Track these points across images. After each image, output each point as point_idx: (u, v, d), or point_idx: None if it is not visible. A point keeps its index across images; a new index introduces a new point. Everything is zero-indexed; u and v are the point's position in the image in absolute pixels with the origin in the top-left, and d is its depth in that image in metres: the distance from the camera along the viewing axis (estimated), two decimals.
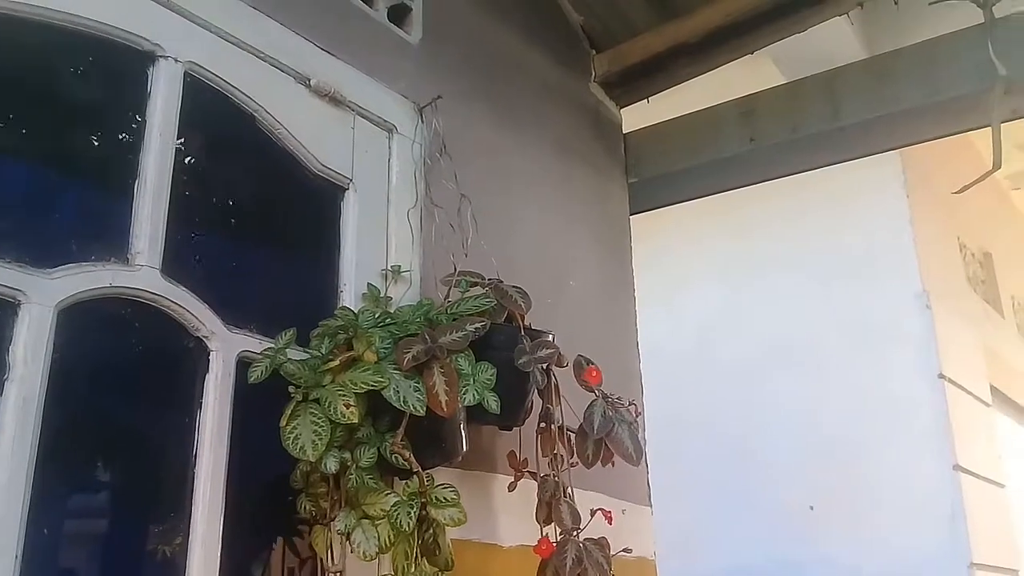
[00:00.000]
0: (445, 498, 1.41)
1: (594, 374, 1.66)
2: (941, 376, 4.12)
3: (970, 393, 4.42)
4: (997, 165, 2.17)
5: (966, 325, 4.70)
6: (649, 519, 2.33)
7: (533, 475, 1.73)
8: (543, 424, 1.75)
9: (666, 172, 2.70)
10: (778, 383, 4.39)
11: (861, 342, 4.28)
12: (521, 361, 1.60)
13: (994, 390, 4.80)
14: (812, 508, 4.30)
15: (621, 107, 2.81)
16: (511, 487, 1.74)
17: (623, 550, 1.64)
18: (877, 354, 4.22)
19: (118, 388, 1.33)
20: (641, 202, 2.74)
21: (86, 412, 1.27)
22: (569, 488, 1.69)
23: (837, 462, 4.22)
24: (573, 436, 1.69)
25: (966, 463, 4.07)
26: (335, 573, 1.37)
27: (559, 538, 1.60)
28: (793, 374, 4.38)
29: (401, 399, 1.40)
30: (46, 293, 1.20)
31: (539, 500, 1.68)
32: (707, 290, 4.72)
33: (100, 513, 1.30)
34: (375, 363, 1.44)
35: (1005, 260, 5.64)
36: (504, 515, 1.82)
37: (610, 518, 1.66)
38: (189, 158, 1.48)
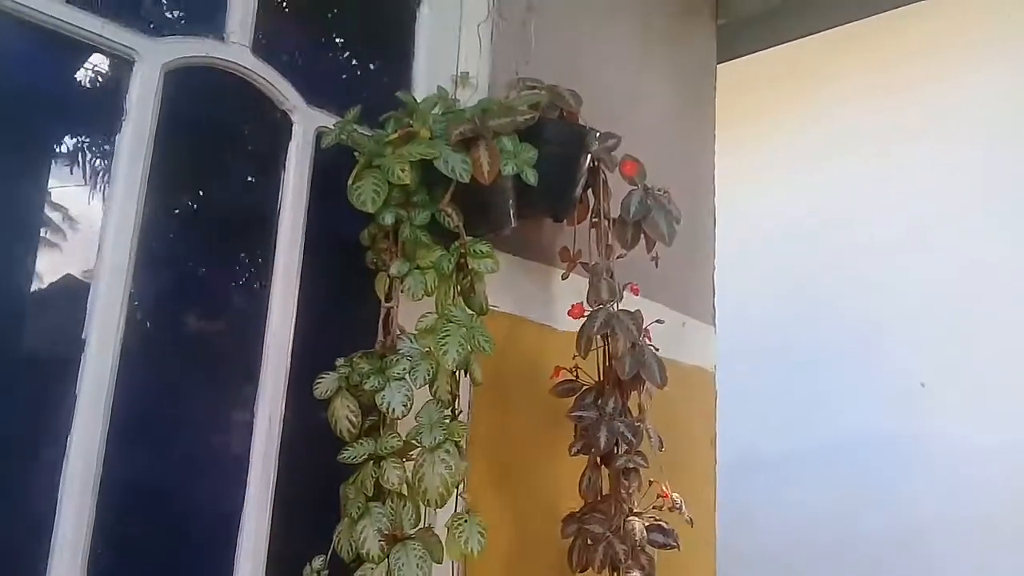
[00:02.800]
0: (481, 250, 1.62)
1: (630, 166, 1.82)
2: None
3: None
4: None
5: None
6: (711, 336, 2.47)
7: (586, 266, 1.92)
8: (595, 219, 1.93)
9: (760, 11, 2.69)
10: (913, 261, 4.28)
11: (1011, 217, 4.08)
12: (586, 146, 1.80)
13: None
14: (923, 385, 4.27)
15: None
16: (564, 276, 1.94)
17: (656, 321, 1.82)
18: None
19: (214, 143, 1.62)
20: (729, 49, 2.78)
21: (188, 159, 1.56)
22: (614, 273, 1.87)
23: (961, 337, 4.12)
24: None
25: None
26: (388, 307, 1.63)
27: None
28: (929, 252, 4.24)
29: (449, 168, 1.61)
30: (155, 55, 1.49)
31: (590, 285, 1.88)
32: (834, 163, 4.60)
33: (197, 237, 1.59)
34: (429, 139, 1.66)
35: None
36: (559, 303, 2.01)
37: (636, 290, 1.83)
38: None
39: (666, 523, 1.77)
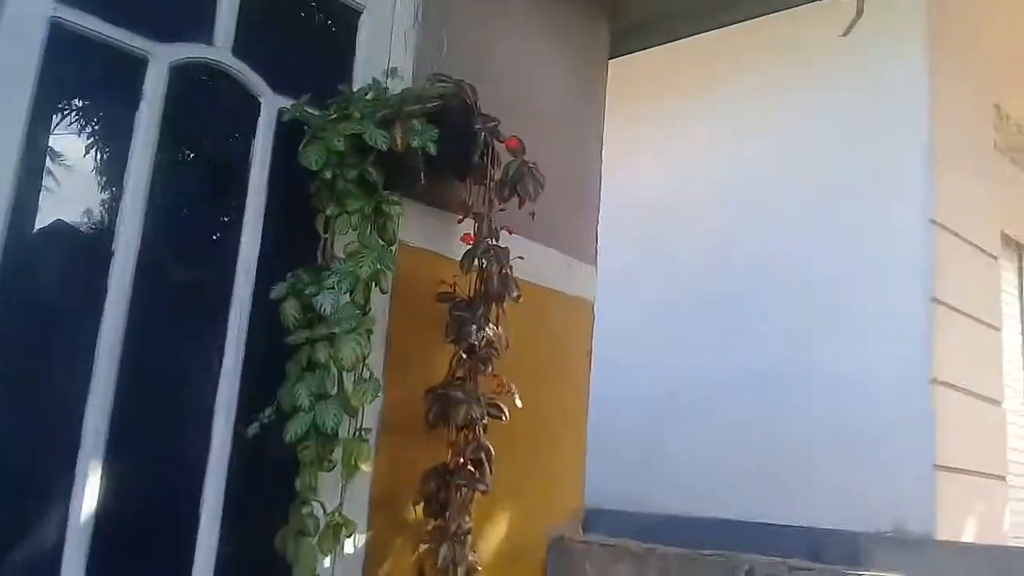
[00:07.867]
0: (393, 199, 2.29)
1: (512, 142, 2.49)
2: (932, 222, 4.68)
3: (968, 241, 4.95)
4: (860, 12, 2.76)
5: (980, 184, 5.14)
6: (592, 274, 3.16)
7: (476, 215, 2.59)
8: (485, 180, 2.60)
9: (650, 18, 3.35)
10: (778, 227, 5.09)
11: (863, 191, 4.86)
12: (475, 127, 2.45)
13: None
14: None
15: None
16: (460, 220, 2.61)
17: (518, 256, 2.50)
18: (875, 203, 4.81)
19: (205, 119, 2.27)
20: (622, 46, 3.43)
21: (186, 131, 2.21)
22: (496, 224, 2.54)
23: (830, 291, 4.89)
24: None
25: (942, 296, 4.67)
26: (326, 238, 2.29)
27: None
28: (790, 219, 5.07)
29: (372, 139, 2.27)
30: (164, 56, 2.13)
31: (476, 224, 2.55)
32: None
33: (190, 185, 2.25)
34: (359, 119, 2.31)
35: None
36: (456, 240, 2.66)
37: (510, 230, 2.51)
38: None
39: (501, 403, 2.48)
